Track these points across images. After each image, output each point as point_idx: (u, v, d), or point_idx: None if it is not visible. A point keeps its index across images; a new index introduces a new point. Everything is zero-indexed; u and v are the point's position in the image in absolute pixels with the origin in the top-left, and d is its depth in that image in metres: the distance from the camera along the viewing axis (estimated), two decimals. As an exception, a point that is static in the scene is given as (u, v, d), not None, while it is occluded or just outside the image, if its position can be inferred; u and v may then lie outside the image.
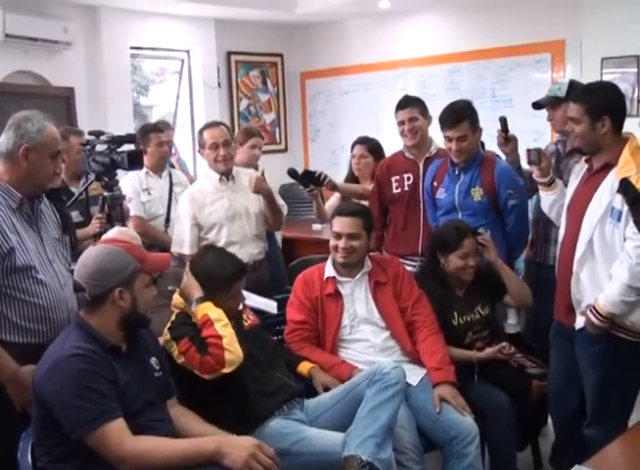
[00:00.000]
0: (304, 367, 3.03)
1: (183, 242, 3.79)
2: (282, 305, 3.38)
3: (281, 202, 4.00)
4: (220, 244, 3.60)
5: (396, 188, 3.99)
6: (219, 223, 3.80)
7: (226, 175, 3.88)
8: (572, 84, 3.67)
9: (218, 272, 2.82)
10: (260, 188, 3.83)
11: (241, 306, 2.96)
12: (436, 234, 3.44)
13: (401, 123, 3.95)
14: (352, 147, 4.59)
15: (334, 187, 4.30)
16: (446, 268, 3.29)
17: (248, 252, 3.80)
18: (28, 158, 2.55)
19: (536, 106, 3.79)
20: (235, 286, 2.84)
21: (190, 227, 3.79)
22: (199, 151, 4.01)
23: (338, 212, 3.30)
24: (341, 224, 3.20)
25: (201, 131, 3.95)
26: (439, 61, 6.72)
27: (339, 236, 3.19)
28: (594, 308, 2.74)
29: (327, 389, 2.93)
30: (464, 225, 3.36)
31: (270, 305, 3.44)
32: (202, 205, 3.82)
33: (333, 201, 4.53)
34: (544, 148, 3.88)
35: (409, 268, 3.60)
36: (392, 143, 4.35)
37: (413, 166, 3.97)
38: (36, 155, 2.57)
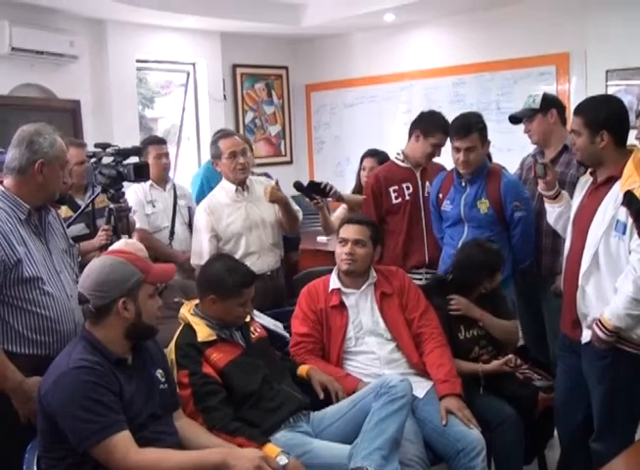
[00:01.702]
0: (302, 370, 3.00)
1: (202, 254, 3.78)
2: (287, 318, 3.37)
3: (296, 207, 4.02)
4: (239, 254, 3.62)
5: (396, 198, 3.95)
6: (237, 234, 3.82)
7: (242, 185, 3.89)
8: (546, 96, 3.74)
9: (229, 278, 2.80)
10: (276, 197, 3.85)
11: (248, 318, 2.95)
12: (471, 266, 3.30)
13: (440, 146, 3.91)
14: (362, 159, 4.59)
15: (339, 198, 4.29)
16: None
17: (266, 261, 3.83)
18: (43, 172, 2.59)
19: (514, 120, 3.80)
20: (245, 293, 2.82)
21: (209, 239, 3.81)
22: (213, 162, 4.01)
23: (347, 221, 3.30)
24: (348, 231, 3.21)
25: (215, 142, 3.95)
26: (444, 73, 6.74)
27: (344, 242, 3.19)
28: (600, 322, 2.71)
29: (325, 388, 2.90)
30: (498, 259, 3.33)
31: (279, 327, 3.42)
32: (219, 217, 3.84)
33: (339, 212, 4.50)
34: (521, 160, 3.93)
35: (416, 281, 3.55)
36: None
37: (410, 176, 3.96)
38: (50, 168, 2.61)
